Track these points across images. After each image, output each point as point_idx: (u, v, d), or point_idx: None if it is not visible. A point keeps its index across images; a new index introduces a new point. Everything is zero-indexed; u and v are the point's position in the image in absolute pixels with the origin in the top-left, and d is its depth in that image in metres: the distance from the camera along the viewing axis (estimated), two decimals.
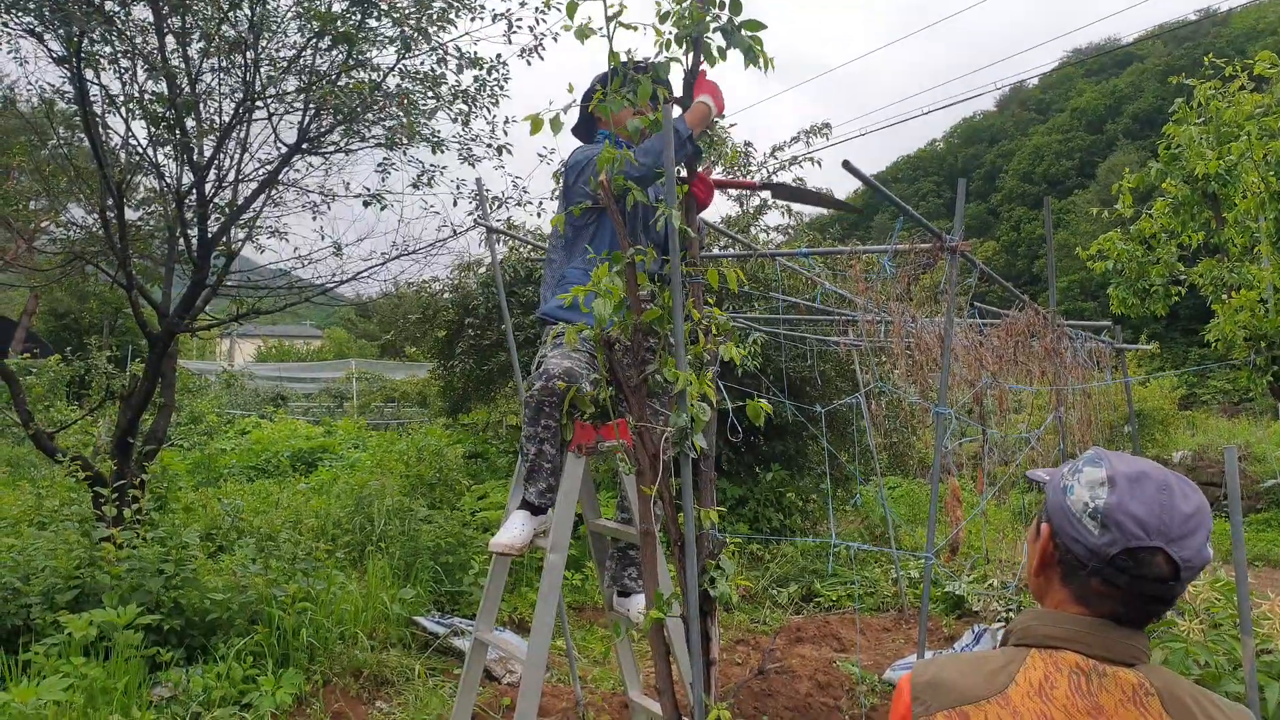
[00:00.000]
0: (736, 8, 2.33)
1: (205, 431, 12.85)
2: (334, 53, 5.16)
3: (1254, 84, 6.55)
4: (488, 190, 5.11)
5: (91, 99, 4.92)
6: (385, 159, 5.73)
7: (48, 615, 4.14)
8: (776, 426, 8.48)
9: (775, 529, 8.16)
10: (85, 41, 4.70)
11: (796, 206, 9.82)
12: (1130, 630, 1.09)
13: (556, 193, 3.27)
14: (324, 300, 6.68)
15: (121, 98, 5.08)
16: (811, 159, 9.70)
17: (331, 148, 5.61)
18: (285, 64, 5.19)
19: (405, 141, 5.50)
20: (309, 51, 5.14)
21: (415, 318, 9.89)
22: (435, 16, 5.14)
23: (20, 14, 4.73)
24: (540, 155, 5.80)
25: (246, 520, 6.54)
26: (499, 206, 5.99)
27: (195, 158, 5.12)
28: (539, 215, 11.43)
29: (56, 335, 18.48)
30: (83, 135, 5.28)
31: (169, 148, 5.19)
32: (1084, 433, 5.73)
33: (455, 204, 6.08)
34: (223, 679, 4.13)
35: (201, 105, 5.16)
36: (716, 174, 4.19)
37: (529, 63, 5.57)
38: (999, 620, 6.01)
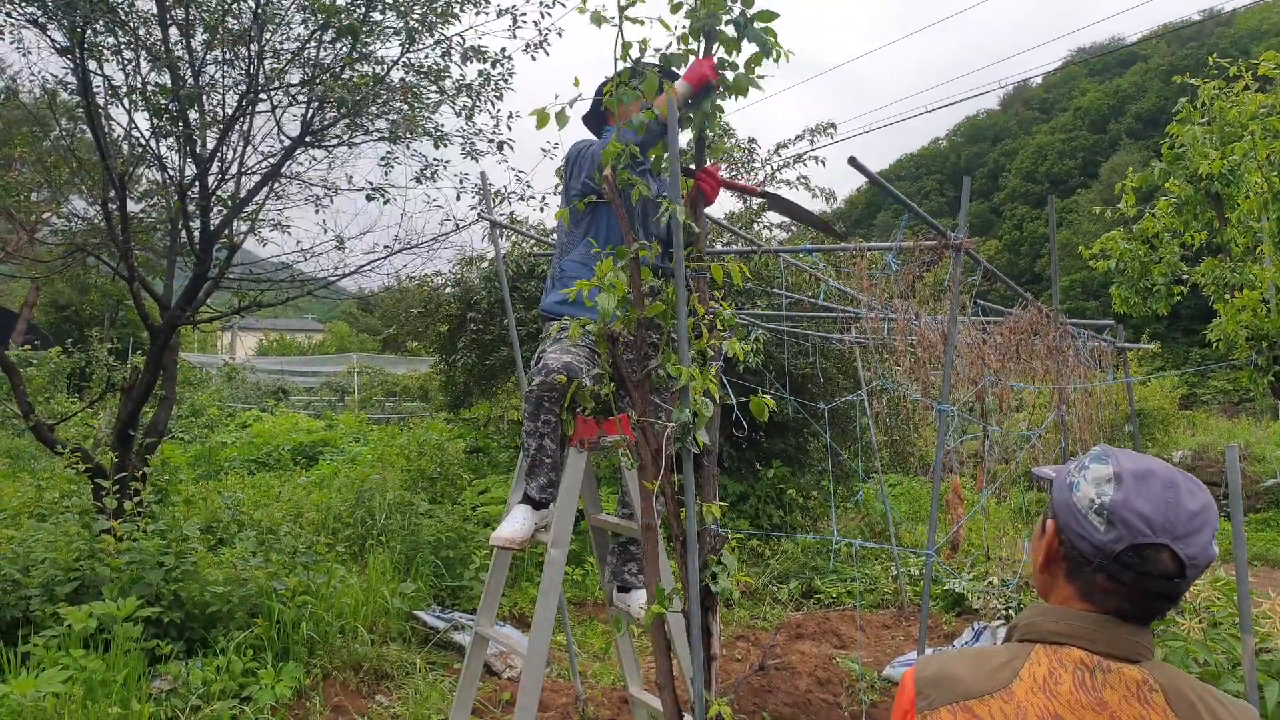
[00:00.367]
0: (749, 0, 2.30)
1: (206, 424, 12.85)
2: (338, 45, 5.16)
3: (1258, 84, 6.55)
4: (491, 185, 5.10)
5: (95, 90, 4.91)
6: (388, 153, 5.73)
7: (47, 607, 4.13)
8: (778, 423, 8.49)
9: (776, 525, 8.17)
10: (89, 32, 4.69)
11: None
12: (1135, 627, 1.09)
13: (559, 188, 3.27)
14: (326, 294, 6.67)
15: (125, 89, 5.08)
16: (815, 158, 9.69)
17: (334, 141, 5.60)
18: (289, 56, 5.18)
19: (408, 135, 5.50)
20: (313, 44, 5.13)
21: (417, 312, 9.87)
22: (440, 10, 5.14)
23: (24, 4, 4.73)
24: (544, 150, 5.79)
25: (247, 513, 6.53)
26: (502, 201, 5.99)
27: (198, 150, 5.11)
28: (542, 210, 11.44)
29: (57, 327, 18.46)
30: (85, 126, 5.28)
31: (172, 139, 5.19)
32: (1085, 431, 5.73)
33: (458, 198, 6.10)
34: (222, 672, 4.12)
35: (205, 97, 5.15)
36: (721, 172, 4.19)
37: (534, 58, 5.57)
38: (999, 618, 6.01)
